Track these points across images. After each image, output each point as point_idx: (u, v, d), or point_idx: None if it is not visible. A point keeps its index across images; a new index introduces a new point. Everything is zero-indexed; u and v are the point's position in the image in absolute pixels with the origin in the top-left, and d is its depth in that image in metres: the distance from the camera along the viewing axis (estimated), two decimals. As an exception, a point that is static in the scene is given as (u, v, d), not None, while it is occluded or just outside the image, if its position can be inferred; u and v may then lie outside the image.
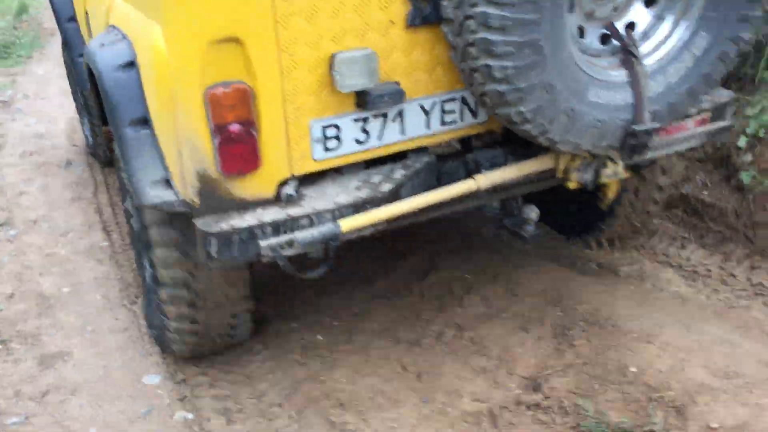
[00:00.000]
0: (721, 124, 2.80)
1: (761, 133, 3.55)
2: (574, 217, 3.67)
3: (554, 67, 2.19)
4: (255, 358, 3.19)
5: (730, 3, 2.37)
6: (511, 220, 2.92)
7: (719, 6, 2.36)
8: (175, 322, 2.86)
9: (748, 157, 3.59)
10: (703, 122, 2.75)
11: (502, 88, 2.18)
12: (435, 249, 3.85)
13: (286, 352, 3.20)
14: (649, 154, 2.63)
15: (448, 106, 2.51)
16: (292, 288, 3.56)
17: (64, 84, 6.76)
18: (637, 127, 2.38)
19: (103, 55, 2.57)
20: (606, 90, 2.34)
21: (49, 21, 12.00)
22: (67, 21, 4.50)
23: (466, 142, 2.80)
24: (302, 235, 2.29)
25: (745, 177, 3.53)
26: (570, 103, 2.27)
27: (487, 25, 2.09)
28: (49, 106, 6.84)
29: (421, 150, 2.58)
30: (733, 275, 3.44)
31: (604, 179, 2.66)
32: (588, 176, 2.63)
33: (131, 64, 2.47)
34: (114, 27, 2.76)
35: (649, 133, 2.41)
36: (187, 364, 3.13)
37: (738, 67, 3.89)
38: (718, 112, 2.79)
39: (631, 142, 2.42)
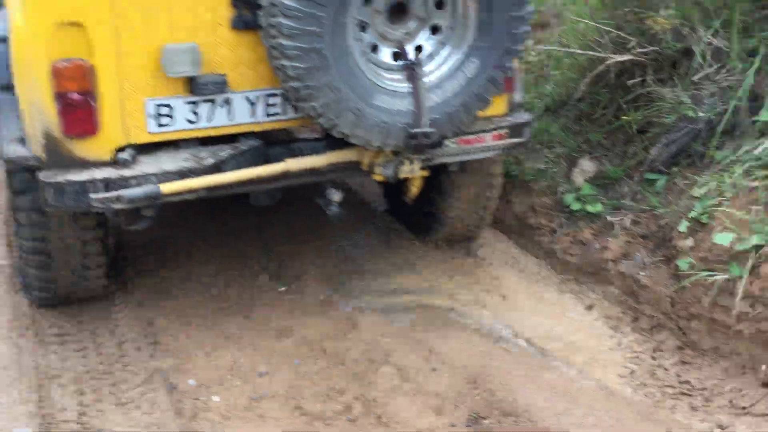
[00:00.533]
0: (515, 140, 3.30)
1: (704, 219, 3.36)
2: (416, 216, 4.15)
3: (339, 72, 2.65)
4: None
5: (495, 37, 2.84)
6: (321, 200, 3.34)
7: (487, 39, 2.85)
8: (34, 270, 3.24)
9: (689, 242, 3.39)
10: (500, 137, 3.25)
11: (295, 84, 2.64)
12: (359, 305, 3.63)
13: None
14: (449, 158, 3.21)
15: (271, 100, 2.94)
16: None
17: None
18: (415, 130, 2.82)
19: None
20: (391, 97, 2.80)
21: None
22: None
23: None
24: (127, 192, 2.68)
25: (683, 264, 3.34)
26: (356, 103, 2.72)
27: (282, 33, 2.54)
28: None
29: (251, 135, 2.97)
30: (664, 368, 3.24)
31: (402, 175, 3.08)
32: (389, 171, 3.05)
33: (4, 40, 2.90)
34: (2, 7, 3.22)
35: (426, 135, 2.83)
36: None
37: (688, 144, 3.76)
38: (516, 131, 3.29)
39: (413, 143, 2.85)
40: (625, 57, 4.00)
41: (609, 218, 3.88)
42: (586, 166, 4.17)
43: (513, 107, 3.36)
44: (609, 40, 4.11)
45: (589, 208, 3.97)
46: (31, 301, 3.51)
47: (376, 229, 4.42)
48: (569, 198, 4.07)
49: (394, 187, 3.83)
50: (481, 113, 3.07)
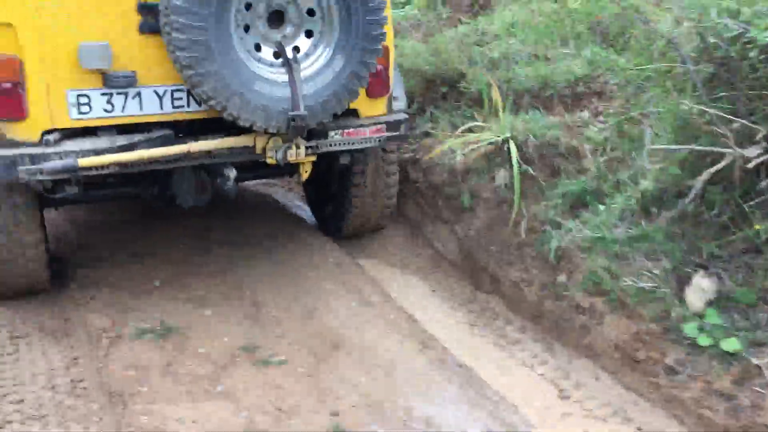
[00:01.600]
0: (392, 133, 3.84)
1: None
2: (327, 215, 4.70)
3: (223, 63, 3.11)
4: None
5: (355, 38, 3.34)
6: (220, 179, 3.71)
7: (349, 39, 3.35)
8: None
9: None
10: (378, 131, 3.77)
11: (188, 72, 3.11)
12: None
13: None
14: (333, 147, 3.68)
15: (177, 95, 3.39)
16: None
17: None
18: (293, 113, 3.27)
19: None
20: (270, 86, 3.27)
21: None
22: None
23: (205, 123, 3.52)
24: (49, 164, 3.12)
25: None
26: (240, 89, 3.17)
27: (174, 28, 3.04)
28: None
29: (162, 124, 3.39)
30: None
31: (290, 159, 3.53)
32: (279, 155, 3.51)
33: None
34: None
35: (303, 118, 3.27)
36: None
37: None
38: (393, 126, 3.84)
39: (292, 125, 3.29)
40: (756, 153, 3.15)
41: (753, 360, 2.99)
42: (704, 284, 3.28)
43: (391, 108, 3.95)
44: (728, 128, 3.25)
45: (723, 345, 3.07)
46: None
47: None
48: (691, 328, 3.17)
49: (313, 184, 4.53)
50: (364, 114, 3.79)
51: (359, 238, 4.67)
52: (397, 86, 4.04)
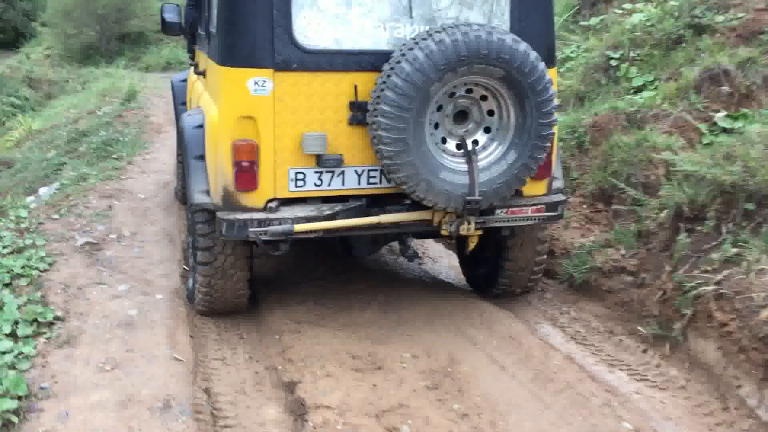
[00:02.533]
0: (551, 214, 4.23)
1: None
2: (480, 275, 5.06)
3: (417, 155, 3.65)
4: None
5: (528, 137, 3.80)
6: (402, 246, 4.40)
7: (522, 138, 3.81)
8: (200, 286, 4.34)
9: None
10: (538, 210, 4.18)
11: (387, 162, 3.67)
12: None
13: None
14: (498, 224, 4.13)
15: (372, 173, 3.96)
16: None
17: (168, 218, 6.29)
18: (469, 197, 3.78)
19: (189, 120, 4.40)
20: (452, 173, 3.79)
21: (156, 114, 11.47)
22: (180, 104, 6.32)
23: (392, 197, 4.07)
24: (272, 228, 3.79)
25: None
26: (428, 177, 3.71)
27: (381, 128, 3.60)
28: (147, 262, 5.33)
29: (358, 196, 3.99)
30: None
31: (462, 232, 4.03)
32: (452, 228, 4.01)
33: (200, 126, 4.18)
34: (199, 106, 4.57)
35: (477, 202, 3.79)
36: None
37: None
38: (552, 207, 4.22)
39: (468, 207, 3.81)
40: None
41: None
42: None
43: (551, 190, 4.31)
44: None
45: None
46: (195, 309, 4.62)
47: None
48: None
49: (462, 249, 4.89)
50: (526, 193, 4.19)
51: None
52: (557, 168, 4.39)
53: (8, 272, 4.84)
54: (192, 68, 5.81)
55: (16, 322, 4.17)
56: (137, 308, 4.54)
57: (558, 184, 4.38)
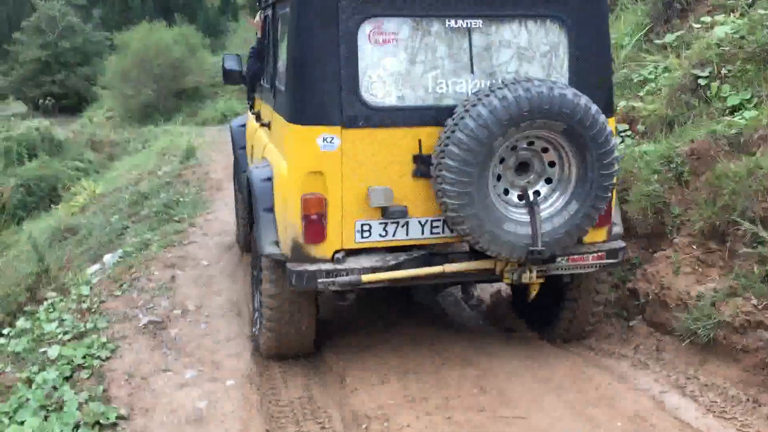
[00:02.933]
0: (611, 261, 4.18)
1: None
2: (539, 316, 4.96)
3: (480, 207, 3.68)
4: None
5: (590, 187, 3.81)
6: (464, 295, 4.63)
7: (584, 188, 3.82)
8: (267, 331, 4.33)
9: None
10: (599, 258, 4.13)
11: (452, 214, 3.72)
12: None
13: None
14: (559, 271, 4.09)
15: (435, 224, 3.96)
16: None
17: (233, 285, 5.93)
18: (532, 248, 3.78)
19: (257, 172, 4.39)
20: (514, 224, 3.79)
21: (215, 170, 11.14)
22: (240, 149, 6.32)
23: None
24: (340, 279, 3.83)
25: None
26: (492, 228, 3.72)
27: (446, 181, 3.64)
28: (214, 341, 4.87)
29: (421, 246, 4.02)
30: None
31: (524, 281, 4.01)
32: (515, 276, 3.99)
33: (269, 179, 4.19)
34: (265, 158, 4.56)
35: (540, 253, 3.78)
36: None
37: None
38: (612, 254, 4.17)
39: (531, 257, 3.80)
40: None
41: None
42: None
43: (611, 236, 4.25)
44: None
45: None
46: (261, 353, 4.61)
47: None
48: None
49: (521, 293, 4.70)
50: (587, 240, 4.12)
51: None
52: (616, 214, 4.33)
53: (69, 363, 4.45)
54: (251, 114, 5.85)
55: (77, 426, 3.74)
56: (206, 399, 4.07)
57: (617, 229, 4.33)
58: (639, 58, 7.83)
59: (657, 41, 7.87)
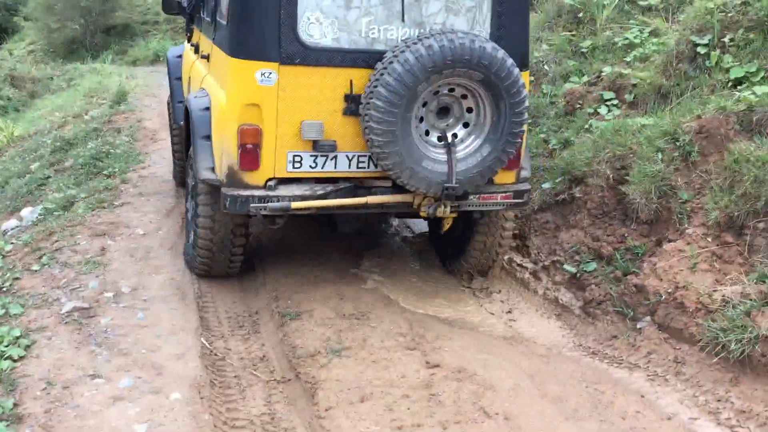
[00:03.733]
0: (517, 200, 4.46)
1: None
2: (449, 252, 5.30)
3: (403, 145, 3.93)
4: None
5: (501, 133, 4.08)
6: (384, 225, 5.41)
7: (496, 133, 4.09)
8: (201, 250, 4.58)
9: None
10: (507, 197, 4.42)
11: (377, 150, 3.96)
12: None
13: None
14: (470, 207, 4.39)
15: (361, 159, 4.19)
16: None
17: (176, 260, 5.07)
18: (447, 184, 4.07)
19: (196, 102, 4.59)
20: (433, 162, 4.07)
21: (150, 117, 9.74)
22: (175, 79, 6.38)
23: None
24: (271, 205, 4.06)
25: None
26: (412, 165, 3.99)
27: (372, 120, 3.88)
28: (155, 334, 4.05)
29: (348, 179, 4.25)
30: None
31: (438, 214, 4.28)
32: (431, 210, 4.25)
33: (207, 109, 4.42)
34: (203, 89, 4.73)
35: (454, 188, 4.08)
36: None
37: None
38: (518, 194, 4.45)
39: (446, 192, 4.09)
40: None
41: None
42: None
43: (519, 179, 4.50)
44: None
45: None
46: (193, 273, 4.83)
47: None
48: None
49: (435, 226, 4.96)
50: (497, 181, 4.38)
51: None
52: (525, 159, 4.61)
53: (-32, 365, 3.49)
54: (189, 46, 5.95)
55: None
56: (146, 419, 3.21)
57: (525, 174, 4.62)
58: (621, 21, 7.14)
59: (641, 2, 7.18)
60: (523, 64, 4.19)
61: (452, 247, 5.23)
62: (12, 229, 7.47)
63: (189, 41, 5.85)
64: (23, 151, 10.72)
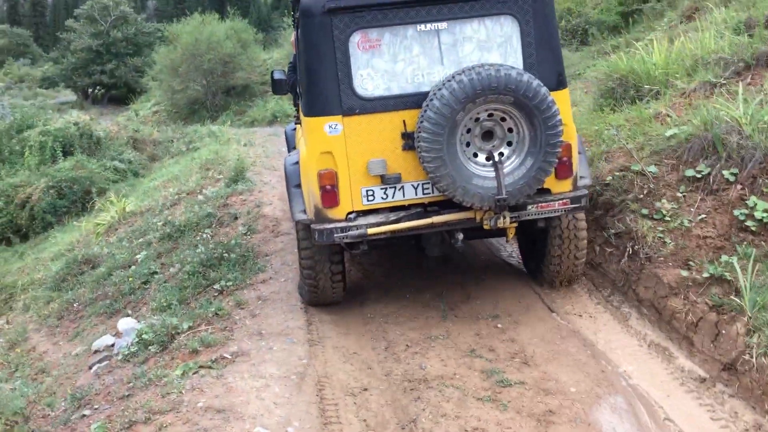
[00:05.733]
0: (574, 206, 4.64)
1: None
2: (531, 264, 5.61)
3: (452, 168, 4.24)
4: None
5: (540, 147, 4.30)
6: (453, 239, 4.86)
7: (536, 147, 4.31)
8: (306, 282, 5.04)
9: None
10: (564, 204, 4.63)
11: (431, 175, 4.29)
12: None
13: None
14: (530, 216, 4.60)
15: (425, 186, 4.52)
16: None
17: None
18: (497, 196, 4.30)
19: (288, 160, 5.24)
20: (482, 180, 4.34)
21: (270, 200, 7.98)
22: (293, 148, 6.65)
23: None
24: (351, 233, 4.43)
25: None
26: (463, 184, 4.28)
27: (422, 150, 4.22)
28: None
29: (416, 204, 4.58)
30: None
31: (500, 225, 4.49)
32: (492, 222, 4.49)
33: (296, 163, 4.96)
34: (296, 149, 5.58)
35: (504, 200, 4.30)
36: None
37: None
38: (575, 200, 4.64)
39: (498, 204, 4.32)
40: None
41: None
42: None
43: (576, 187, 4.70)
44: None
45: None
46: (303, 302, 5.27)
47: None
48: None
49: (525, 244, 5.61)
50: (555, 191, 4.64)
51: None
52: (582, 168, 4.78)
53: None
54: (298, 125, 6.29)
55: None
56: None
57: (585, 181, 4.77)
58: None
59: None
60: (559, 83, 4.50)
61: (534, 262, 5.47)
62: (102, 353, 5.73)
63: (296, 116, 6.06)
64: (132, 232, 9.20)
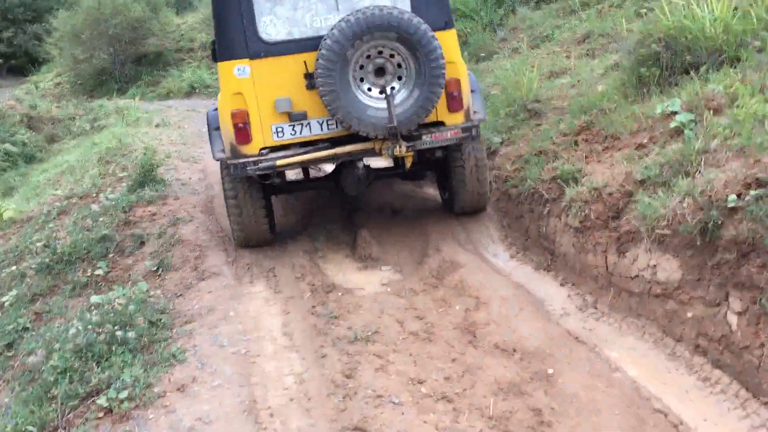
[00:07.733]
0: (465, 135, 4.79)
1: None
2: (444, 196, 5.78)
3: (346, 99, 4.46)
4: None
5: (425, 80, 4.50)
6: (355, 169, 5.10)
7: (421, 81, 4.51)
8: (233, 221, 5.09)
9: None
10: (456, 134, 4.79)
11: (328, 108, 4.48)
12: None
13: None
14: (425, 146, 4.76)
15: (330, 122, 4.67)
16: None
17: None
18: (388, 125, 4.48)
19: (211, 108, 5.29)
20: (376, 111, 4.52)
21: (192, 216, 5.75)
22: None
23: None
24: (261, 164, 4.60)
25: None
26: (358, 115, 4.48)
27: (319, 85, 4.42)
28: None
29: (323, 140, 4.72)
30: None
31: (396, 154, 4.63)
32: (389, 151, 4.62)
33: (216, 109, 4.98)
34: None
35: (395, 128, 4.48)
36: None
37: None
38: (466, 130, 4.80)
39: (390, 132, 4.51)
40: None
41: None
42: None
43: (467, 118, 4.84)
44: None
45: None
46: (234, 243, 5.25)
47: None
48: None
49: (440, 179, 5.74)
50: (448, 123, 4.78)
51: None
52: (476, 103, 4.98)
53: None
54: None
55: None
56: None
57: (479, 116, 4.96)
58: None
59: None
60: (446, 24, 4.73)
61: (448, 193, 5.59)
62: None
63: None
64: (5, 253, 6.50)
